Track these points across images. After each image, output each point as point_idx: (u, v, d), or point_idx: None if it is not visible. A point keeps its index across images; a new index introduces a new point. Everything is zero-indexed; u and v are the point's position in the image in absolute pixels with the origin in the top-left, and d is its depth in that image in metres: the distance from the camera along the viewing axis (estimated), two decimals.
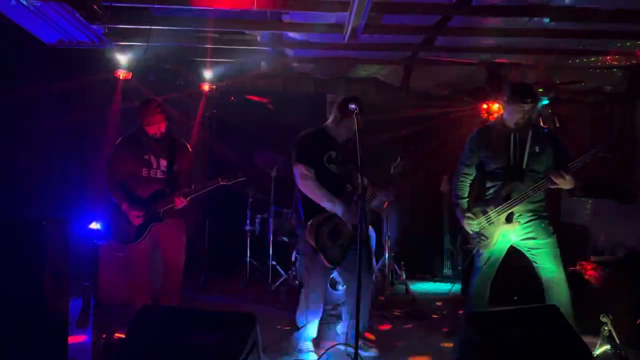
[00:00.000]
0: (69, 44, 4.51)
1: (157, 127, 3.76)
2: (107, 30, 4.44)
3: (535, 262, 3.55)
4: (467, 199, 3.74)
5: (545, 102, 5.30)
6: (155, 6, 4.08)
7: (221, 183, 3.83)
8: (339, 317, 4.49)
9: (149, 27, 4.34)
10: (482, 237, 3.61)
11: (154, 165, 3.83)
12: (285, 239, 5.55)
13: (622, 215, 5.11)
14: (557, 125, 5.49)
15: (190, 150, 4.02)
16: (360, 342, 3.08)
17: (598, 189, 5.31)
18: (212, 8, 3.96)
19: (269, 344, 3.69)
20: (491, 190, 3.62)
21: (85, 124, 5.22)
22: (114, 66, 5.12)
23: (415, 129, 6.19)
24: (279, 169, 5.48)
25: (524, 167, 3.52)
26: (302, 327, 3.56)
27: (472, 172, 3.74)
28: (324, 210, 3.41)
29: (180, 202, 3.76)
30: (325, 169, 3.44)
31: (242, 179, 3.88)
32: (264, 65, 5.83)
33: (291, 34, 4.71)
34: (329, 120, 3.61)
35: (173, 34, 4.57)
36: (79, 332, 4.02)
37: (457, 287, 5.48)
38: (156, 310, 3.14)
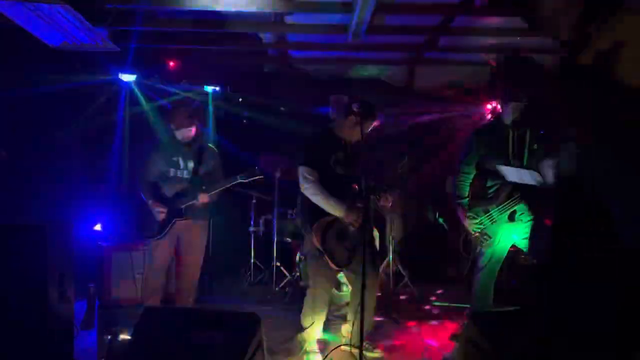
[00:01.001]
0: (73, 46, 4.52)
1: (185, 132, 3.89)
2: (111, 33, 4.46)
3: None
4: (468, 199, 3.74)
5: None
6: (159, 8, 4.10)
7: (239, 181, 3.87)
8: (343, 318, 4.49)
9: (153, 28, 4.37)
10: (485, 237, 3.60)
11: (181, 166, 3.96)
12: (289, 240, 5.54)
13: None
14: None
15: (218, 155, 4.13)
16: (364, 343, 3.08)
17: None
18: (215, 9, 3.98)
19: (273, 345, 3.69)
20: (492, 189, 3.62)
21: (90, 125, 5.24)
22: (118, 68, 5.14)
23: (420, 130, 6.18)
24: (283, 170, 5.48)
25: (525, 165, 3.52)
26: (307, 328, 3.56)
27: (472, 171, 3.73)
28: (329, 212, 3.40)
29: (202, 199, 3.86)
30: (331, 171, 3.44)
31: (259, 176, 3.91)
32: (268, 66, 5.84)
33: (294, 35, 4.72)
34: (335, 122, 3.61)
35: (176, 35, 4.59)
36: (85, 333, 4.03)
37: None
38: (161, 311, 3.15)
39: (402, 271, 5.37)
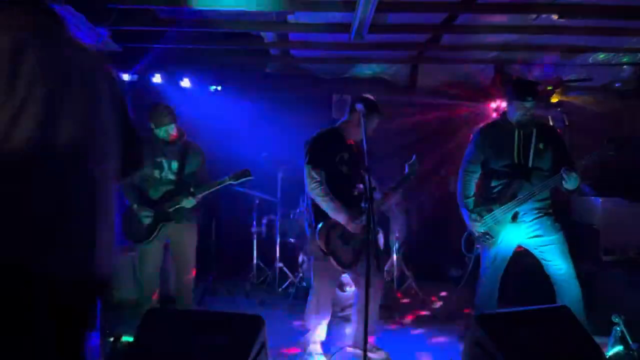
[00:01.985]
0: None
1: (165, 131, 3.80)
2: (112, 33, 4.45)
3: (543, 260, 3.52)
4: (473, 198, 3.71)
5: (554, 100, 5.25)
6: (161, 8, 4.08)
7: (228, 182, 3.83)
8: (347, 319, 4.47)
9: (154, 28, 4.35)
10: (488, 237, 3.57)
11: (165, 168, 3.87)
12: (292, 240, 5.52)
13: (633, 214, 5.05)
14: (567, 123, 5.44)
15: (202, 153, 4.05)
16: (368, 345, 3.05)
17: (608, 188, 5.26)
18: (217, 9, 3.96)
19: (277, 347, 3.68)
20: (497, 189, 3.58)
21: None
22: (120, 68, 5.12)
23: (423, 129, 6.15)
24: (285, 170, 5.46)
25: (530, 165, 3.49)
26: (310, 329, 3.54)
27: (476, 171, 3.70)
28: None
29: (189, 202, 3.79)
30: (337, 171, 3.41)
31: (249, 178, 3.87)
32: (270, 65, 5.83)
33: (296, 34, 4.69)
34: (341, 121, 3.58)
35: (178, 35, 4.57)
36: (87, 335, 4.01)
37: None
38: (164, 313, 3.13)
39: (405, 272, 5.34)
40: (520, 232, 3.55)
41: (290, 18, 4.30)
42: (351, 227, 3.34)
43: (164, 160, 3.86)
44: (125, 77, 5.23)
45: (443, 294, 5.46)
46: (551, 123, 5.33)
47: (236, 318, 2.67)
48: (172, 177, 3.87)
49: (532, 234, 3.53)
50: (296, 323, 3.97)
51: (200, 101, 5.77)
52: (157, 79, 5.54)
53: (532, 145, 3.49)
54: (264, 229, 5.69)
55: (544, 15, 4.07)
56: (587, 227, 5.12)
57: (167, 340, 2.47)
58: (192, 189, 3.81)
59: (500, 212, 3.52)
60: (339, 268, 3.37)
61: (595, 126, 6.18)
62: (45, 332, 1.65)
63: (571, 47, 4.92)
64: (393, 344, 3.87)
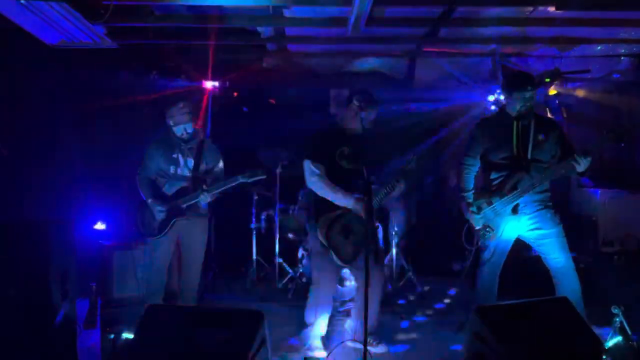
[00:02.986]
0: (71, 44, 4.50)
1: (183, 128, 3.86)
2: (108, 30, 4.43)
3: (542, 253, 3.53)
4: (472, 191, 3.71)
5: (552, 92, 5.25)
6: (157, 4, 4.06)
7: (240, 181, 3.84)
8: (347, 314, 4.48)
9: (151, 24, 4.33)
10: (488, 229, 3.57)
11: (181, 164, 3.93)
12: (291, 236, 5.52)
13: (632, 205, 5.06)
14: (564, 115, 5.44)
15: (219, 152, 4.10)
16: (369, 339, 3.06)
17: (607, 179, 5.27)
18: (213, 4, 3.94)
19: (277, 341, 3.68)
20: (497, 181, 3.59)
21: (90, 124, 5.22)
22: (118, 64, 5.12)
23: (421, 122, 6.15)
24: (283, 166, 5.46)
25: (529, 157, 3.49)
26: (311, 324, 3.55)
27: (476, 163, 3.71)
28: (335, 207, 3.38)
29: (205, 198, 3.83)
30: (336, 165, 3.41)
31: (262, 177, 3.88)
32: (267, 60, 5.81)
33: (293, 29, 4.68)
34: (338, 116, 3.59)
35: (174, 31, 4.56)
36: (88, 332, 4.02)
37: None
38: (164, 309, 3.14)
39: (405, 265, 5.35)
40: (520, 224, 3.55)
41: (287, 12, 4.29)
42: (358, 209, 3.33)
43: (180, 157, 3.92)
44: (124, 73, 5.23)
45: (443, 287, 5.47)
46: (549, 115, 5.33)
47: (237, 313, 2.68)
48: (187, 173, 3.93)
49: (531, 227, 3.53)
50: (296, 318, 3.98)
51: (198, 97, 5.75)
52: (153, 75, 5.54)
53: (531, 137, 3.50)
54: (263, 224, 5.68)
55: (540, 8, 4.07)
56: (586, 218, 5.14)
57: (167, 336, 2.48)
58: (205, 186, 3.85)
59: (501, 204, 3.52)
60: (339, 262, 3.37)
61: (593, 118, 6.20)
62: None
63: (568, 39, 4.91)
64: (393, 337, 3.88)
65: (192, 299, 4.09)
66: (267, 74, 6.08)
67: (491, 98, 6.02)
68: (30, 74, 4.64)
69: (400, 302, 4.94)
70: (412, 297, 5.11)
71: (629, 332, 3.20)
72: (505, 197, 3.50)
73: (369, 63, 5.98)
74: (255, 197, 5.61)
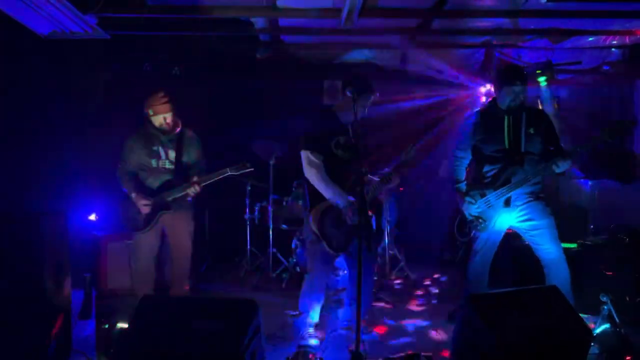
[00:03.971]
0: (62, 34, 4.46)
1: (162, 118, 3.80)
2: (100, 20, 4.40)
3: (534, 244, 3.57)
4: (465, 182, 3.75)
5: (544, 84, 5.28)
6: None
7: (229, 173, 3.83)
8: (340, 302, 4.52)
9: (143, 15, 4.30)
10: (481, 220, 3.61)
11: (163, 157, 3.88)
12: (285, 226, 5.55)
13: (621, 195, 5.12)
14: (556, 106, 5.47)
15: (199, 141, 4.05)
16: (362, 326, 3.10)
17: (597, 170, 5.32)
18: None
19: (271, 331, 3.72)
20: (490, 174, 3.62)
21: (83, 115, 5.19)
22: (110, 56, 5.09)
23: (413, 113, 6.17)
24: (277, 157, 5.47)
25: (522, 149, 3.52)
26: (304, 313, 3.58)
27: (467, 156, 3.74)
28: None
29: (194, 191, 3.81)
30: (332, 154, 3.41)
31: (249, 169, 3.88)
32: (260, 51, 5.79)
33: (286, 20, 4.67)
34: (336, 104, 3.56)
35: (167, 22, 4.54)
36: (82, 323, 4.04)
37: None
38: (158, 299, 3.16)
39: (397, 255, 5.39)
40: (512, 216, 3.59)
41: (280, 3, 4.27)
42: (348, 213, 3.35)
43: (160, 149, 3.87)
44: (117, 65, 5.20)
45: (434, 276, 5.52)
46: (540, 107, 5.37)
47: (231, 303, 2.70)
48: (169, 166, 3.88)
49: (523, 218, 3.57)
50: (290, 307, 4.01)
51: (191, 89, 5.74)
52: (146, 66, 5.51)
53: (523, 130, 3.52)
54: (256, 215, 5.70)
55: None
56: (576, 208, 5.19)
57: (161, 327, 2.49)
58: (195, 178, 3.81)
59: (494, 196, 3.55)
60: (332, 251, 3.40)
61: (585, 109, 6.24)
62: None
63: (560, 31, 4.94)
64: (384, 325, 3.93)
65: (185, 289, 4.10)
66: (261, 64, 6.08)
67: (483, 90, 6.05)
68: (22, 65, 4.61)
69: (392, 290, 4.98)
70: (404, 286, 5.16)
71: (617, 319, 3.26)
72: (499, 190, 3.54)
73: (363, 54, 5.99)
74: (249, 188, 5.63)
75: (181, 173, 3.87)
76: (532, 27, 4.84)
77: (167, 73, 5.66)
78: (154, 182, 3.87)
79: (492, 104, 3.68)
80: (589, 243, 4.30)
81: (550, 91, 5.40)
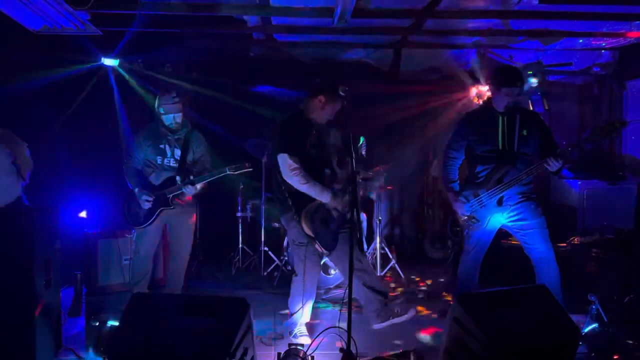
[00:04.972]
0: (53, 30, 4.43)
1: (172, 117, 3.87)
2: (93, 16, 4.37)
3: (525, 243, 3.60)
4: (457, 182, 3.77)
5: (535, 84, 5.32)
6: None
7: (228, 173, 3.84)
8: (331, 301, 4.54)
9: (136, 12, 4.28)
10: (473, 220, 3.63)
11: (169, 154, 3.94)
12: (277, 225, 5.55)
13: (611, 195, 5.17)
14: (546, 107, 5.52)
15: (205, 142, 4.10)
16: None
17: (586, 170, 5.37)
18: None
19: (262, 329, 3.72)
20: (482, 174, 3.64)
21: (74, 111, 5.16)
22: (101, 52, 5.06)
23: (406, 113, 6.19)
24: (269, 155, 5.46)
25: (516, 150, 3.54)
26: (296, 311, 3.58)
27: (459, 156, 3.76)
28: (313, 198, 3.40)
29: (189, 190, 3.84)
30: (306, 154, 3.40)
31: (249, 169, 3.89)
32: (253, 49, 5.78)
33: (280, 18, 4.66)
34: (306, 103, 3.54)
35: (160, 18, 4.51)
36: (72, 320, 4.03)
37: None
38: (149, 297, 3.15)
39: (389, 254, 5.41)
40: (504, 215, 3.62)
41: (273, 2, 4.27)
42: (336, 204, 3.36)
43: (167, 147, 3.92)
44: (107, 61, 5.17)
45: (425, 275, 5.55)
46: (531, 108, 5.41)
47: (222, 301, 2.69)
48: (174, 164, 3.94)
49: (515, 217, 3.60)
50: (282, 305, 4.01)
51: (182, 86, 5.71)
52: (138, 63, 5.48)
53: (517, 131, 3.54)
54: (248, 213, 5.70)
55: (525, 0, 4.10)
56: (565, 208, 5.24)
57: (152, 324, 2.49)
58: (192, 177, 3.85)
59: (487, 196, 3.57)
60: (323, 251, 3.41)
61: (575, 110, 6.29)
62: None
63: (552, 32, 4.97)
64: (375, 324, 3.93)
65: (179, 287, 4.13)
66: (254, 62, 6.07)
67: (474, 90, 6.08)
68: (13, 61, 4.57)
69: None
70: (395, 285, 5.18)
71: (605, 319, 3.30)
72: (492, 190, 3.56)
73: (355, 53, 5.99)
74: (241, 186, 5.62)
75: (185, 172, 3.92)
76: (524, 28, 4.87)
77: (160, 70, 5.63)
78: (157, 179, 3.93)
79: (487, 105, 3.70)
80: (578, 242, 4.34)
81: (540, 92, 5.44)
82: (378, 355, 3.23)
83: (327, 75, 6.10)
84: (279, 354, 3.01)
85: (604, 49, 5.45)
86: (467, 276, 3.75)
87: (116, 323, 3.09)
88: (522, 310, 2.66)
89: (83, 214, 4.95)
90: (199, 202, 5.11)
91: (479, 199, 3.61)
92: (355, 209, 2.94)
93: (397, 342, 3.63)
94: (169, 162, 3.93)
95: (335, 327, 3.55)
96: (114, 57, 5.18)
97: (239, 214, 5.66)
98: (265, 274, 5.35)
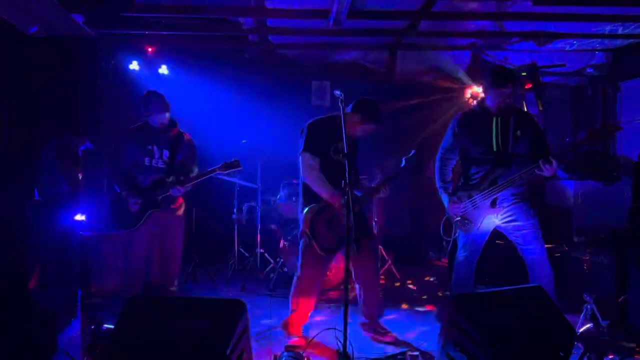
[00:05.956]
0: (48, 32, 4.42)
1: (159, 118, 3.85)
2: (87, 19, 4.36)
3: (518, 244, 3.60)
4: (451, 183, 3.77)
5: (529, 85, 5.34)
6: None
7: (217, 172, 3.84)
8: (328, 302, 4.53)
9: (130, 14, 4.28)
10: (466, 221, 3.64)
11: (156, 155, 3.91)
12: (273, 227, 5.55)
13: (605, 196, 5.19)
14: (541, 108, 5.54)
15: (194, 143, 4.10)
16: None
17: (581, 171, 5.39)
18: None
19: (259, 331, 3.72)
20: (477, 175, 3.64)
21: (71, 114, 5.14)
22: (96, 54, 5.05)
23: (401, 114, 6.20)
24: (265, 157, 5.47)
25: (510, 151, 3.55)
26: (293, 312, 3.58)
27: (453, 157, 3.77)
28: (322, 199, 3.44)
29: (177, 191, 3.84)
30: (330, 160, 3.48)
31: (239, 168, 3.90)
32: (249, 51, 5.79)
33: (275, 21, 4.67)
34: (339, 113, 3.58)
35: (154, 21, 4.51)
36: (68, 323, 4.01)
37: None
38: (145, 299, 3.13)
39: (385, 255, 5.42)
40: (497, 216, 3.62)
41: (268, 4, 4.28)
42: (341, 210, 3.38)
43: (155, 148, 3.90)
44: (101, 64, 5.17)
45: (421, 276, 5.56)
46: (525, 109, 5.43)
47: (218, 303, 2.69)
48: (162, 165, 3.91)
49: (508, 219, 3.60)
50: (278, 307, 4.01)
51: (178, 88, 5.71)
52: (133, 65, 5.48)
53: (511, 132, 3.54)
54: (244, 215, 5.70)
55: (519, 0, 4.13)
56: (560, 209, 5.26)
57: (148, 327, 2.48)
58: (181, 178, 3.84)
59: (481, 197, 3.58)
60: (323, 253, 3.42)
61: (568, 111, 6.32)
62: None
63: (545, 33, 5.00)
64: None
65: (173, 290, 4.10)
66: (249, 64, 6.08)
67: (469, 91, 6.10)
68: (7, 63, 4.55)
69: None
70: (390, 286, 5.19)
71: (600, 318, 3.32)
72: (486, 191, 3.56)
73: (351, 55, 6.01)
74: (237, 188, 5.62)
75: (173, 173, 3.90)
76: (518, 29, 4.89)
77: (154, 72, 5.63)
78: (144, 180, 3.89)
79: (480, 106, 3.70)
80: (573, 243, 4.36)
81: (535, 93, 5.46)
82: (374, 357, 3.23)
83: (323, 77, 6.14)
84: (275, 355, 3.01)
85: (598, 50, 5.48)
86: (462, 277, 3.75)
87: (112, 326, 3.08)
88: (518, 311, 2.67)
89: (79, 217, 4.93)
90: (196, 205, 5.12)
91: (472, 200, 3.61)
92: (352, 212, 2.95)
93: (393, 343, 3.64)
94: (157, 164, 3.90)
95: (331, 328, 3.56)
96: (109, 60, 5.17)
97: (234, 216, 5.66)
98: (261, 276, 5.35)
